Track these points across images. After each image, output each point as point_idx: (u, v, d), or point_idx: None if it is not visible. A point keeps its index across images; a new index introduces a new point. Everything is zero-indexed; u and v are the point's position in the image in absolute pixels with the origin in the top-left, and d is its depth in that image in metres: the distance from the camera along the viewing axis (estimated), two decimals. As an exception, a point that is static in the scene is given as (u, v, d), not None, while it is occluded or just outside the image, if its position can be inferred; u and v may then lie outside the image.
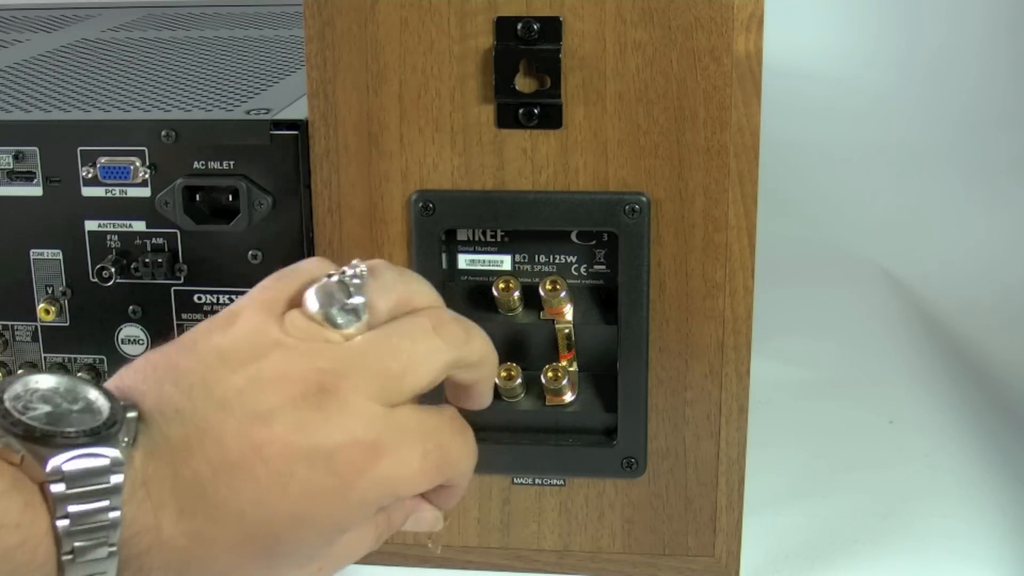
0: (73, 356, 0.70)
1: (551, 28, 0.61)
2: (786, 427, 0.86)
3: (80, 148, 0.67)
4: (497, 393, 0.67)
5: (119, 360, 0.70)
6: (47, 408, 0.41)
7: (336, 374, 0.43)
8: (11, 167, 0.67)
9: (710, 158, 0.62)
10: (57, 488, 0.39)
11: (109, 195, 0.67)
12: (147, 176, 0.67)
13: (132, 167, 0.66)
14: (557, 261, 0.66)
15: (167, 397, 0.42)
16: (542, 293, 0.65)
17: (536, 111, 0.62)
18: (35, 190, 0.68)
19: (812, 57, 1.45)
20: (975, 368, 0.98)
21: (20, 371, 0.70)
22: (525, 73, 0.61)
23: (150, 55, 0.90)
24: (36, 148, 0.67)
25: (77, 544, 0.39)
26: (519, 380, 0.66)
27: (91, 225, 0.68)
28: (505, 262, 0.66)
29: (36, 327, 0.70)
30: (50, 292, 0.69)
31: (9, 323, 0.70)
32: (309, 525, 0.43)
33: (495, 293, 0.65)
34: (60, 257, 0.69)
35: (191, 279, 0.68)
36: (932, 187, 1.32)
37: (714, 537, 0.68)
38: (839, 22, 1.49)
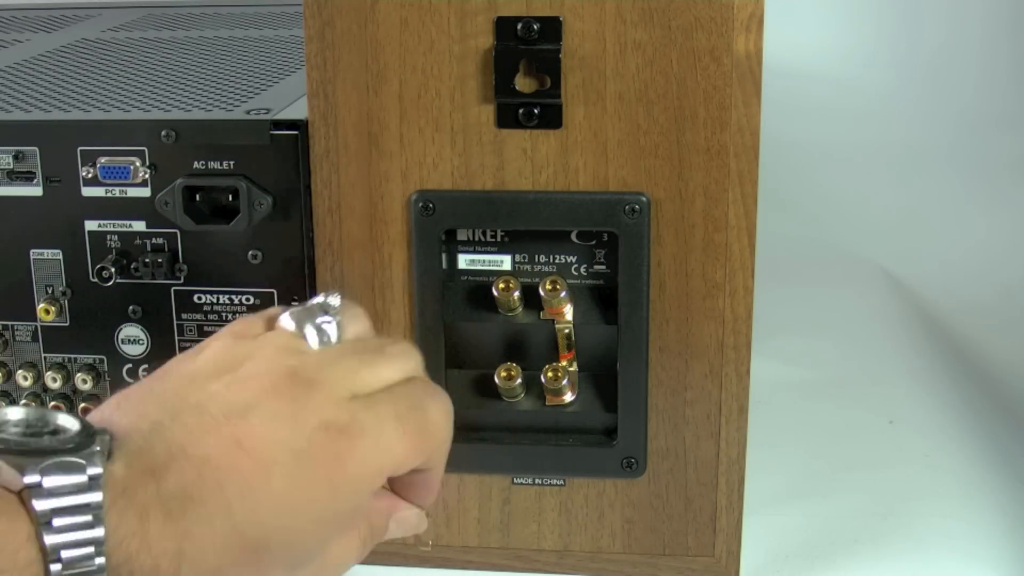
0: (73, 356, 0.70)
1: (551, 28, 0.61)
2: (786, 427, 0.86)
3: (80, 148, 0.67)
4: (497, 393, 0.67)
5: (119, 360, 0.70)
6: (20, 430, 0.41)
7: (307, 368, 0.45)
8: (11, 167, 0.67)
9: (710, 158, 0.62)
10: (39, 499, 0.39)
11: (109, 195, 0.67)
12: (147, 176, 0.67)
13: (132, 167, 0.66)
14: (557, 261, 0.66)
15: (143, 415, 0.43)
16: (542, 293, 0.65)
17: (536, 111, 0.62)
18: (35, 190, 0.68)
19: (812, 57, 1.45)
20: (975, 368, 0.98)
21: None
22: (525, 73, 0.61)
23: (150, 55, 0.90)
24: (36, 148, 0.67)
25: (64, 554, 0.39)
26: (519, 380, 0.66)
27: (91, 225, 0.68)
28: (505, 262, 0.66)
29: (36, 327, 0.70)
30: (50, 292, 0.69)
31: (9, 323, 0.70)
32: (298, 514, 0.43)
33: (495, 293, 0.65)
34: (60, 257, 0.69)
35: (191, 279, 0.68)
36: (932, 187, 1.32)
37: (714, 537, 0.68)
38: (839, 22, 1.49)
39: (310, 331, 0.48)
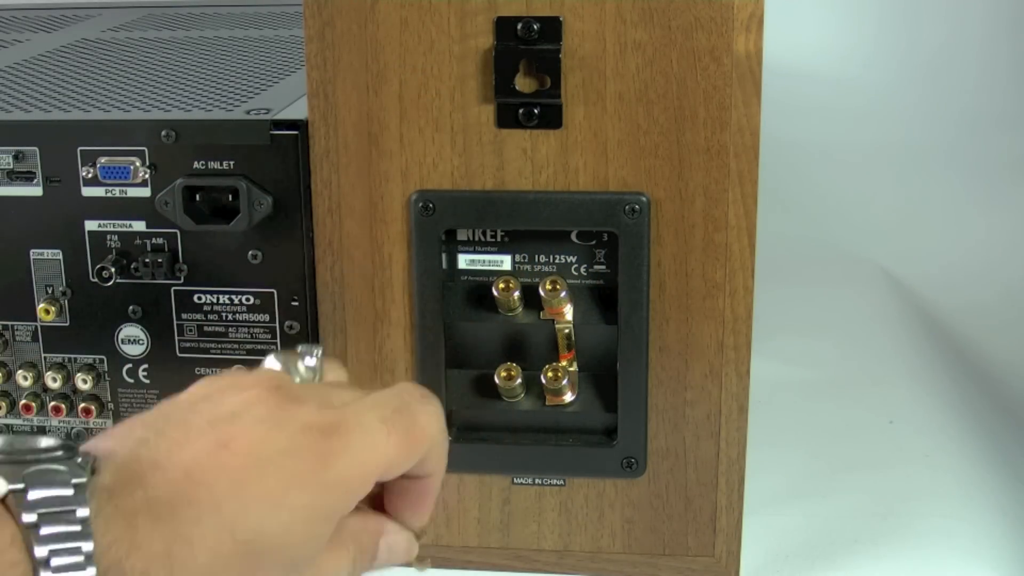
0: (73, 356, 0.70)
1: (551, 28, 0.61)
2: (786, 427, 0.86)
3: (80, 148, 0.67)
4: (497, 393, 0.67)
5: (119, 360, 0.70)
6: (3, 457, 0.41)
7: (292, 387, 0.46)
8: (11, 167, 0.67)
9: (710, 158, 0.62)
10: (24, 508, 0.39)
11: (109, 195, 0.67)
12: (147, 176, 0.67)
13: (132, 167, 0.66)
14: (557, 261, 0.66)
15: (127, 436, 0.43)
16: (542, 293, 0.65)
17: (536, 111, 0.62)
18: (35, 190, 0.68)
19: (812, 57, 1.45)
20: (975, 368, 0.98)
21: None
22: (525, 73, 0.61)
23: (150, 55, 0.90)
24: (36, 148, 0.67)
25: (54, 561, 0.39)
26: (519, 380, 0.66)
27: (91, 225, 0.68)
28: (505, 262, 0.66)
29: (36, 327, 0.70)
30: (50, 292, 0.69)
31: (9, 323, 0.70)
32: (288, 512, 0.43)
33: (495, 293, 0.65)
34: (60, 257, 0.69)
35: (191, 279, 0.68)
36: (932, 187, 1.32)
37: (714, 537, 0.68)
38: (839, 22, 1.49)
39: (294, 370, 0.49)
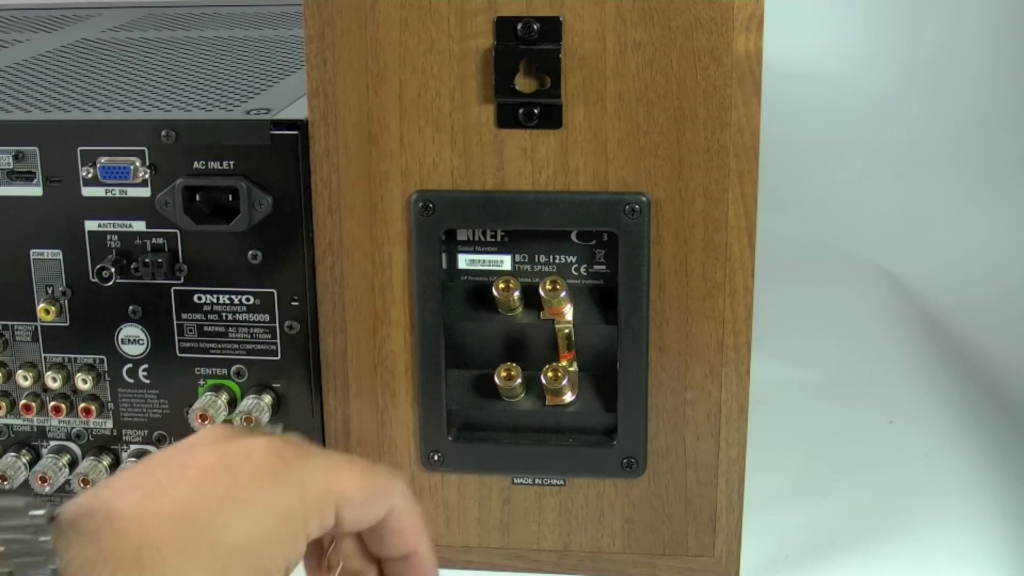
0: (73, 356, 0.70)
1: (551, 28, 0.61)
2: (786, 427, 0.86)
3: (80, 148, 0.67)
4: (497, 393, 0.67)
5: (119, 360, 0.70)
6: None
7: (250, 432, 0.48)
8: (11, 167, 0.67)
9: (710, 158, 0.62)
10: None
11: (109, 195, 0.67)
12: (147, 176, 0.67)
13: (132, 167, 0.66)
14: (557, 261, 0.66)
15: (94, 489, 0.44)
16: (542, 293, 0.65)
17: (536, 111, 0.62)
18: (35, 190, 0.68)
19: (812, 57, 1.45)
20: (975, 368, 0.98)
21: None
22: (525, 73, 0.61)
23: (150, 55, 0.90)
24: (36, 148, 0.67)
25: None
26: (519, 380, 0.66)
27: (91, 225, 0.68)
28: (505, 262, 0.66)
29: (36, 327, 0.70)
30: (50, 292, 0.69)
31: (9, 323, 0.70)
32: (247, 506, 0.43)
33: (495, 293, 0.65)
34: (60, 257, 0.69)
35: (191, 279, 0.68)
36: (932, 187, 1.32)
37: (714, 537, 0.68)
38: (839, 22, 1.49)
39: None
